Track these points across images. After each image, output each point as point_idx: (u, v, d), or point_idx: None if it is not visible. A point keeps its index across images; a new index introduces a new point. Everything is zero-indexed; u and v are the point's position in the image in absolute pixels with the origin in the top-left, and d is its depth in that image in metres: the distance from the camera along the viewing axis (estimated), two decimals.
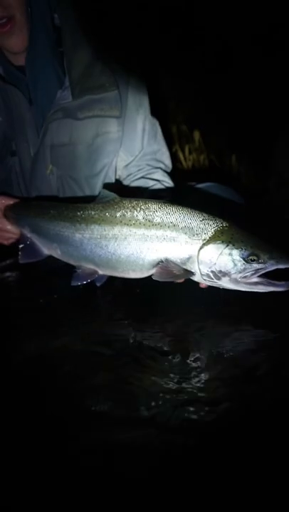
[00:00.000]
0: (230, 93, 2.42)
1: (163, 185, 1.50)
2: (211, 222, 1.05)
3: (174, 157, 1.64)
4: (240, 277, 1.03)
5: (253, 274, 1.02)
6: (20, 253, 1.29)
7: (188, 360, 0.98)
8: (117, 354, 1.03)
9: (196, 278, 1.08)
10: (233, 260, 1.02)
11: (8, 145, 1.45)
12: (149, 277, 1.12)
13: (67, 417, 0.88)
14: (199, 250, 1.04)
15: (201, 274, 1.06)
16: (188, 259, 1.05)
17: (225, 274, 1.03)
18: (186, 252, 1.05)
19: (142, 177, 1.52)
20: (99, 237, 1.13)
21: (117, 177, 1.56)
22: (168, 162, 1.57)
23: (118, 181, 1.56)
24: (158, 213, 1.08)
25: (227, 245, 1.02)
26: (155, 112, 1.54)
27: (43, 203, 1.28)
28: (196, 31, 2.53)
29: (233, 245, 1.02)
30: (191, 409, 0.86)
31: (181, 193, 1.57)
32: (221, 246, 1.02)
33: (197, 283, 1.11)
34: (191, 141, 2.42)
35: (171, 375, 0.94)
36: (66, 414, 0.88)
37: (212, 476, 0.74)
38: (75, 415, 0.88)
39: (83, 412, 0.88)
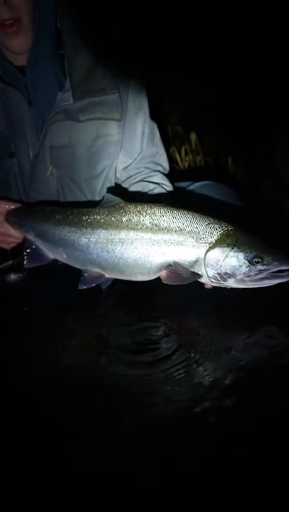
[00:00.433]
0: (226, 94, 2.44)
1: (163, 188, 1.52)
2: (216, 226, 1.09)
3: (170, 158, 1.66)
4: (245, 278, 1.07)
5: (257, 275, 1.07)
6: (25, 258, 1.29)
7: (191, 360, 1.01)
8: (118, 354, 1.05)
9: (203, 280, 1.12)
10: (239, 262, 1.06)
11: (7, 146, 1.44)
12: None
13: (67, 416, 0.89)
14: (206, 253, 1.08)
15: (208, 276, 1.09)
16: (196, 262, 1.09)
17: (231, 275, 1.07)
18: (193, 256, 1.09)
19: (142, 180, 1.54)
20: (105, 241, 1.16)
21: (116, 179, 1.58)
22: (166, 164, 1.60)
23: (117, 183, 1.58)
24: (164, 218, 1.11)
25: (232, 248, 1.06)
26: (152, 113, 1.56)
27: (46, 208, 1.29)
28: (192, 31, 2.53)
29: (238, 248, 1.06)
30: (195, 410, 0.87)
31: (178, 193, 1.60)
32: (227, 249, 1.07)
33: (202, 284, 1.15)
34: (187, 142, 2.44)
35: (173, 375, 0.96)
36: (67, 414, 0.89)
37: (213, 475, 0.76)
38: (75, 415, 0.89)
39: (83, 412, 0.89)
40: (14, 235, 1.33)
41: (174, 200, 1.48)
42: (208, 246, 1.08)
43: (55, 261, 1.30)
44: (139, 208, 1.14)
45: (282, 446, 0.79)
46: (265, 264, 1.05)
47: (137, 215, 1.13)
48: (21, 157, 1.45)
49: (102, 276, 1.20)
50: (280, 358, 1.01)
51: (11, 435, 0.85)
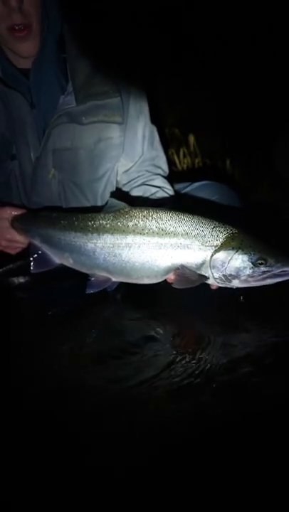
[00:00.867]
0: (226, 94, 2.45)
1: (165, 191, 1.55)
2: (221, 229, 1.13)
3: (169, 160, 1.68)
4: (249, 279, 1.12)
5: (260, 276, 1.11)
6: (32, 263, 1.31)
7: (194, 359, 1.03)
8: (121, 355, 1.07)
9: (209, 281, 1.16)
10: (243, 264, 1.10)
11: (8, 148, 1.45)
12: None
13: (67, 416, 0.89)
14: (212, 256, 1.11)
15: (214, 278, 1.13)
16: (202, 264, 1.13)
17: (235, 276, 1.12)
18: (199, 258, 1.13)
19: (143, 183, 1.56)
20: (112, 246, 1.18)
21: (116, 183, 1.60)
22: (165, 167, 1.62)
23: (117, 187, 1.60)
24: (171, 222, 1.14)
25: (237, 251, 1.10)
26: (151, 115, 1.58)
27: (52, 214, 1.31)
28: (192, 31, 2.52)
29: (243, 251, 1.10)
30: (197, 409, 0.89)
31: (179, 194, 1.62)
32: (232, 252, 1.11)
33: (207, 284, 1.19)
34: (185, 144, 2.45)
35: (175, 375, 0.98)
36: (66, 414, 0.91)
37: (214, 474, 0.77)
38: (75, 415, 0.90)
39: (84, 412, 0.91)
40: (20, 241, 1.34)
41: (175, 203, 1.50)
42: (214, 249, 1.11)
43: (61, 265, 1.32)
44: (145, 212, 1.17)
45: (282, 445, 0.81)
46: (269, 266, 1.09)
47: (143, 220, 1.16)
48: (23, 160, 1.45)
49: (109, 280, 1.22)
50: (282, 354, 1.04)
51: (11, 435, 0.86)
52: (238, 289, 1.16)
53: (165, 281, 1.19)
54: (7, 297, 1.39)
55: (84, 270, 1.26)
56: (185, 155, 2.39)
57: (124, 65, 1.49)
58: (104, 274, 1.22)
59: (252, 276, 1.10)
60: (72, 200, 1.51)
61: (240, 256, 1.10)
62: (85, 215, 1.24)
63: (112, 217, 1.19)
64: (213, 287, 1.18)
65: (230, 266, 1.10)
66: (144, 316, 1.27)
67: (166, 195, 1.55)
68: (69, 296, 1.36)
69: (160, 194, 1.54)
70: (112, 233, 1.18)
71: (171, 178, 1.65)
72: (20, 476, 0.78)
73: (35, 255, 1.31)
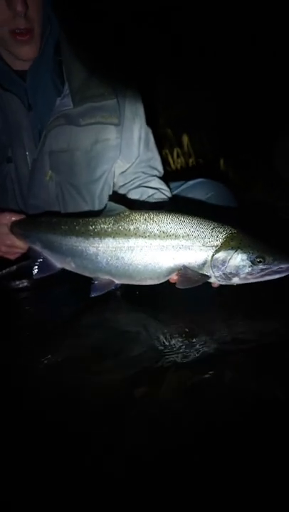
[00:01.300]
0: (226, 95, 2.46)
1: (162, 193, 1.58)
2: (221, 230, 1.17)
3: (163, 160, 1.70)
4: (249, 276, 1.17)
5: (259, 273, 1.16)
6: (34, 269, 1.33)
7: (196, 357, 1.05)
8: (122, 354, 1.10)
9: (211, 280, 1.20)
10: (243, 263, 1.15)
11: (4, 151, 1.44)
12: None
13: (68, 417, 0.90)
14: (212, 256, 1.16)
15: (215, 277, 1.18)
16: (204, 264, 1.17)
17: (236, 274, 1.17)
18: (201, 259, 1.17)
19: (140, 185, 1.59)
20: (114, 249, 1.21)
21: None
22: (160, 168, 1.65)
23: (114, 189, 1.61)
24: (171, 225, 1.18)
25: (236, 250, 1.15)
26: (147, 116, 1.60)
27: (52, 219, 1.32)
28: (191, 32, 2.52)
29: (242, 250, 1.15)
30: (198, 409, 0.90)
31: (175, 195, 1.64)
32: (231, 251, 1.15)
33: (208, 283, 1.23)
34: (178, 145, 2.46)
35: (176, 374, 1.01)
36: (67, 414, 0.91)
37: (214, 474, 0.77)
38: (75, 415, 0.91)
39: (84, 412, 0.92)
40: (20, 246, 1.35)
41: (173, 205, 1.53)
42: (214, 249, 1.16)
43: (62, 269, 1.33)
44: (146, 216, 1.20)
45: (282, 445, 0.82)
46: (267, 264, 1.15)
47: (144, 223, 1.19)
48: (19, 162, 1.45)
49: (112, 282, 1.25)
50: (283, 353, 1.08)
51: (11, 435, 0.87)
52: (238, 285, 1.20)
53: (167, 280, 1.22)
54: (7, 299, 1.39)
55: (87, 274, 1.28)
56: (179, 155, 2.41)
57: (120, 66, 1.51)
58: (107, 277, 1.25)
59: (251, 274, 1.16)
60: (70, 201, 1.52)
61: (240, 255, 1.15)
62: (86, 220, 1.26)
63: (113, 221, 1.22)
64: (215, 285, 1.23)
65: (231, 265, 1.15)
66: (144, 314, 1.29)
67: (163, 196, 1.58)
68: (69, 297, 1.38)
69: (158, 195, 1.57)
70: (114, 237, 1.21)
71: (166, 177, 1.67)
72: (20, 476, 0.79)
73: (37, 261, 1.33)
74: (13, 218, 1.34)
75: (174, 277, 1.20)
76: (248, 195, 2.22)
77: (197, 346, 1.09)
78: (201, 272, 1.17)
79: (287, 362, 1.05)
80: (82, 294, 1.28)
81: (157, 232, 1.18)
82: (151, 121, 1.62)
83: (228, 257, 1.15)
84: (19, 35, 1.29)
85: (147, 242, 1.18)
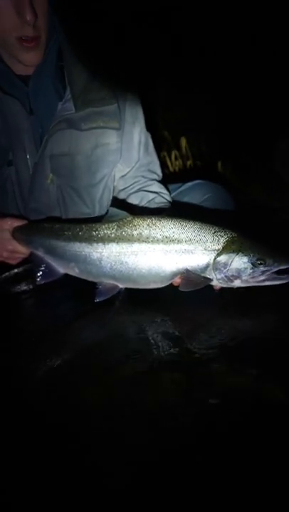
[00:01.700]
0: (226, 96, 2.47)
1: (162, 197, 1.60)
2: (222, 234, 1.21)
3: (161, 163, 1.72)
4: (250, 279, 1.20)
5: (260, 275, 1.20)
6: (37, 275, 1.34)
7: (197, 358, 1.06)
8: (123, 354, 1.10)
9: (213, 283, 1.23)
10: (244, 265, 1.19)
11: (5, 155, 1.45)
12: None
13: (68, 417, 0.90)
14: (214, 259, 1.19)
15: (217, 279, 1.21)
16: (206, 267, 1.20)
17: (237, 277, 1.20)
18: (203, 262, 1.20)
19: (140, 189, 1.61)
20: (118, 254, 1.23)
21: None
22: (159, 172, 1.67)
23: (115, 193, 1.64)
24: (174, 230, 1.21)
25: (237, 253, 1.19)
26: (146, 119, 1.62)
27: (54, 225, 1.33)
28: (191, 33, 2.52)
29: (243, 253, 1.19)
30: (199, 409, 0.90)
31: (174, 198, 1.65)
32: (233, 254, 1.19)
33: (211, 285, 1.26)
34: (176, 147, 2.48)
35: (177, 374, 1.01)
36: (67, 414, 0.91)
37: (214, 474, 0.77)
38: (75, 416, 0.91)
39: (84, 412, 0.92)
40: (22, 252, 1.36)
41: (174, 208, 1.55)
42: (216, 253, 1.19)
43: (65, 275, 1.34)
44: (148, 221, 1.23)
45: (283, 444, 0.82)
46: (267, 266, 1.18)
47: (147, 229, 1.22)
48: (19, 166, 1.46)
49: (117, 287, 1.27)
50: (284, 354, 1.08)
51: (11, 435, 0.87)
52: (239, 288, 1.24)
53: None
54: (9, 302, 1.39)
55: (90, 279, 1.30)
56: (176, 158, 2.42)
57: (120, 69, 1.53)
58: (111, 281, 1.27)
59: (253, 276, 1.19)
60: (71, 205, 1.53)
61: (241, 258, 1.18)
62: (89, 225, 1.27)
63: (116, 227, 1.24)
64: (217, 288, 1.26)
65: (232, 267, 1.19)
66: (147, 316, 1.29)
67: (164, 200, 1.60)
68: (70, 300, 1.38)
69: (158, 199, 1.59)
70: (117, 242, 1.23)
71: (164, 180, 1.69)
72: (20, 476, 0.79)
73: (40, 266, 1.34)
74: (15, 223, 1.35)
75: (177, 280, 1.23)
76: (247, 198, 2.23)
77: (198, 346, 1.10)
78: (203, 275, 1.20)
79: (288, 362, 1.06)
80: (83, 297, 1.29)
81: (160, 237, 1.21)
82: (150, 124, 1.64)
83: (230, 260, 1.18)
84: (26, 42, 1.30)
85: (151, 247, 1.21)
